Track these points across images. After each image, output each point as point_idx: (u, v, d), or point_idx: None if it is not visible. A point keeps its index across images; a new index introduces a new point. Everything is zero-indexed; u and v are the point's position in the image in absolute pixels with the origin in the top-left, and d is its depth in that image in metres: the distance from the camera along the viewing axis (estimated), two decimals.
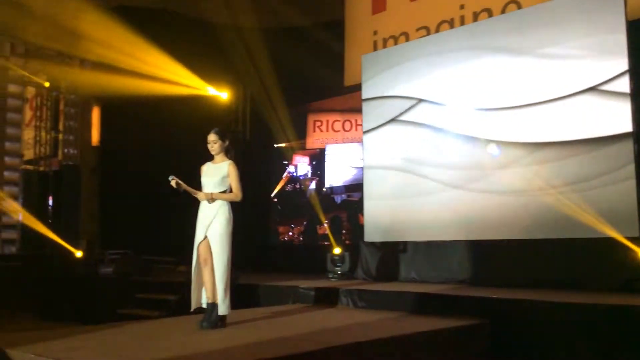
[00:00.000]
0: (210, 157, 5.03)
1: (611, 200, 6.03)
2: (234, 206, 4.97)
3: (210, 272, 4.79)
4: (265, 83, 11.31)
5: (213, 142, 4.94)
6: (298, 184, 11.40)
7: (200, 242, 4.83)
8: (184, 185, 4.80)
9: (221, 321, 4.77)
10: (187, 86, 11.39)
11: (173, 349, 3.79)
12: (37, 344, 3.93)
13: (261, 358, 3.37)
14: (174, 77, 11.24)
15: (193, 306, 4.93)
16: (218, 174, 4.87)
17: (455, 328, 4.81)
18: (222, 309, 4.74)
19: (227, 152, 5.00)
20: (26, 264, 11.06)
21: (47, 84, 11.93)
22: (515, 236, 6.70)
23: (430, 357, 4.45)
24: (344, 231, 10.31)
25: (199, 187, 4.93)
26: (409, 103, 7.90)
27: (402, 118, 7.99)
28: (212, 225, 4.79)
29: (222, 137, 4.96)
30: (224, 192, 4.86)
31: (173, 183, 4.77)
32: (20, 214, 12.55)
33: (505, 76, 7.03)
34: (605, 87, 6.17)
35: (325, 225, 9.84)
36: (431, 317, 5.28)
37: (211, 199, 4.80)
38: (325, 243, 10.19)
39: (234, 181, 4.85)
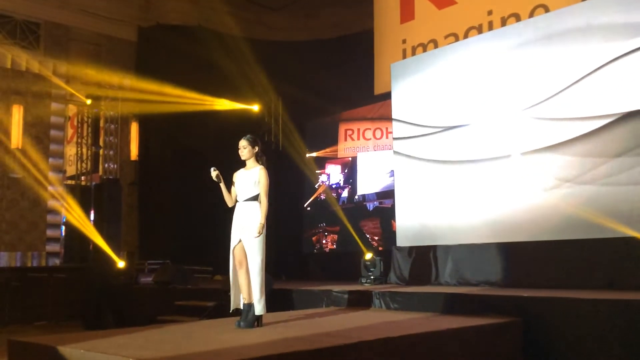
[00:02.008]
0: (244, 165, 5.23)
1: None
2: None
3: (246, 274, 4.96)
4: (297, 94, 11.55)
5: (243, 147, 5.13)
6: (326, 194, 11.58)
7: (235, 246, 5.02)
8: (222, 184, 5.09)
9: (257, 321, 4.93)
10: (220, 100, 11.73)
11: (212, 344, 3.98)
12: (85, 342, 4.15)
13: (295, 350, 3.52)
14: (209, 92, 11.58)
15: (232, 307, 5.13)
16: (250, 180, 5.05)
17: (487, 325, 4.87)
18: (258, 308, 4.90)
19: (259, 158, 5.18)
20: (69, 276, 11.44)
21: (88, 102, 12.41)
22: (546, 237, 6.72)
23: (461, 353, 4.52)
24: (376, 237, 10.42)
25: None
26: (436, 115, 8.03)
27: (430, 133, 8.12)
28: (246, 228, 4.97)
29: (252, 143, 5.14)
30: (257, 196, 5.03)
31: (214, 175, 5.03)
32: (63, 227, 13.01)
33: (530, 77, 7.11)
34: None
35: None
36: (463, 316, 5.35)
37: (262, 227, 4.92)
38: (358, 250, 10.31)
39: (262, 186, 5.02)
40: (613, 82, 6.38)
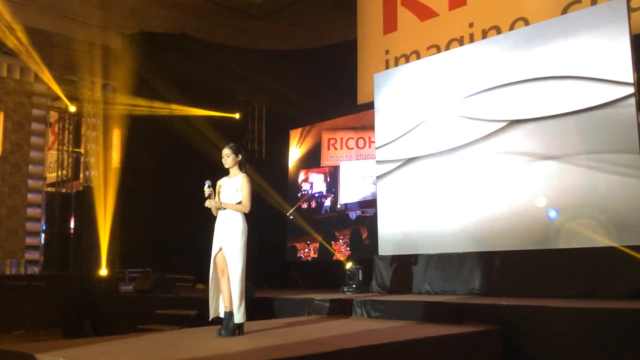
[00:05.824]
0: (226, 173, 5.25)
1: (619, 209, 6.14)
2: (249, 219, 5.16)
3: (228, 282, 4.96)
4: (281, 103, 11.59)
5: (226, 155, 5.16)
6: (314, 202, 11.61)
7: (216, 254, 5.02)
8: (214, 198, 5.05)
9: (239, 329, 4.93)
10: (203, 108, 11.74)
11: (193, 352, 3.97)
12: (64, 350, 4.12)
13: (275, 358, 3.53)
14: (192, 100, 11.59)
15: (211, 316, 5.12)
16: (232, 187, 5.08)
17: (466, 333, 4.92)
18: (238, 317, 4.89)
19: (242, 167, 5.21)
20: (49, 284, 11.33)
21: (71, 108, 12.36)
22: (525, 247, 6.81)
23: None
24: (357, 246, 10.45)
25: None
26: (418, 124, 8.12)
27: (412, 140, 8.20)
28: (227, 236, 4.98)
29: (235, 151, 5.17)
30: (238, 204, 5.05)
31: (207, 191, 4.99)
32: (42, 235, 12.90)
33: (512, 91, 7.21)
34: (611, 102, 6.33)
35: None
36: (443, 325, 5.40)
37: (221, 207, 4.99)
38: (341, 259, 10.35)
39: (244, 193, 5.04)
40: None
